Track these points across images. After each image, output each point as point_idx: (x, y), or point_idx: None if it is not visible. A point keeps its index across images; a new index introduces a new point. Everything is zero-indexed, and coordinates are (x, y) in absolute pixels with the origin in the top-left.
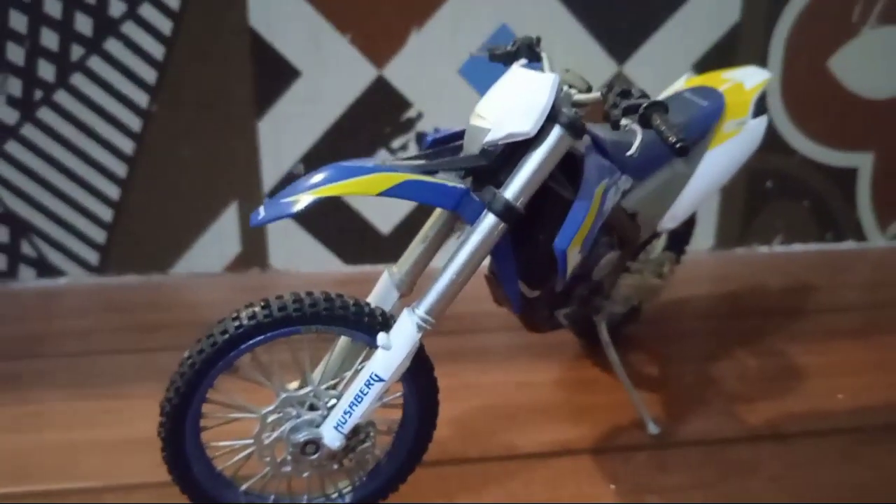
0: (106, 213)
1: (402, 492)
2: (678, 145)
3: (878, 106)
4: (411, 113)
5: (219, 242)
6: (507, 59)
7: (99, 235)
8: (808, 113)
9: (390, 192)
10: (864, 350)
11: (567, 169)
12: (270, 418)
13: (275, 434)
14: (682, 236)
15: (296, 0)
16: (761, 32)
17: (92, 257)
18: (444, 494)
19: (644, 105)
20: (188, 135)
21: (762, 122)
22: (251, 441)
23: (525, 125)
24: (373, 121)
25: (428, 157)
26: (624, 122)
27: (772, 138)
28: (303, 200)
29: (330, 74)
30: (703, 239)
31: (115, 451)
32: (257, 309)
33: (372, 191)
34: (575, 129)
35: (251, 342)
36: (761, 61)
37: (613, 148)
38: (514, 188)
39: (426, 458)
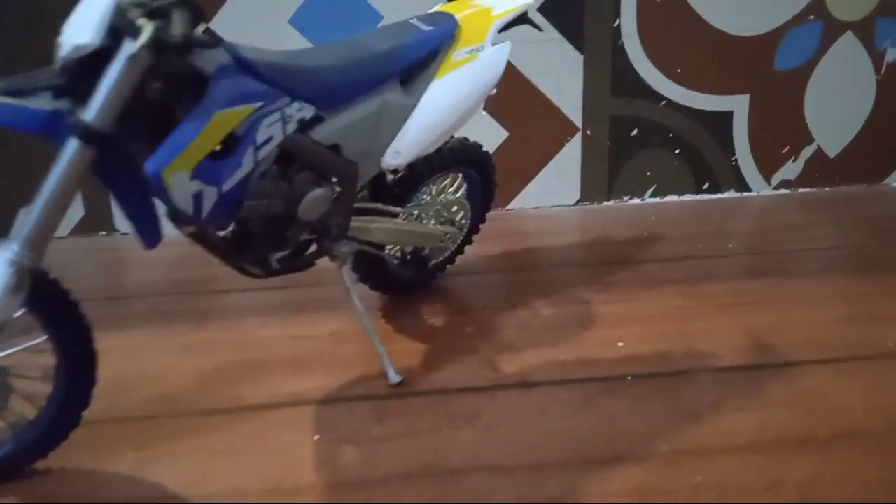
0: None
1: (92, 445)
2: (176, 40)
3: (750, 43)
4: None
5: None
6: None
7: None
8: (671, 55)
9: None
10: (669, 299)
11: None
12: None
13: None
14: (478, 181)
15: None
16: None
17: None
18: (138, 447)
19: (166, 5)
20: None
21: (503, 48)
22: None
23: (86, 36)
24: None
25: (27, 78)
26: (139, 22)
27: (633, 83)
28: None
29: None
30: (567, 192)
31: None
32: None
33: None
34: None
35: None
36: (614, 3)
37: (271, 70)
38: (91, 109)
39: (146, 410)
